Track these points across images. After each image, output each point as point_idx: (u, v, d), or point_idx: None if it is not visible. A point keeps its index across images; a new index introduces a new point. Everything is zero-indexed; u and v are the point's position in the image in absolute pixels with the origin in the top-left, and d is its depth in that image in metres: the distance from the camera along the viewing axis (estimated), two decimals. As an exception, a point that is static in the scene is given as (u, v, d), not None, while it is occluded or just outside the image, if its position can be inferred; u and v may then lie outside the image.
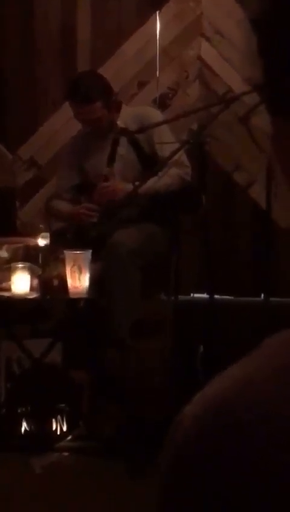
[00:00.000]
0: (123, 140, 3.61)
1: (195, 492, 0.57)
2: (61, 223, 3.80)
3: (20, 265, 3.34)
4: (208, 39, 4.34)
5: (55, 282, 3.30)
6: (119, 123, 3.72)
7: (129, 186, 3.53)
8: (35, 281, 3.35)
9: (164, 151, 3.49)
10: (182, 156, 3.55)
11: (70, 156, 3.90)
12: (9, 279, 3.33)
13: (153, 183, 3.49)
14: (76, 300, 3.30)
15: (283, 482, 0.54)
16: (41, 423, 3.37)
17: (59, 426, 3.38)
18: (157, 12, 4.33)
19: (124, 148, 3.64)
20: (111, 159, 3.61)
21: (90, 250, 3.26)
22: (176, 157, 3.35)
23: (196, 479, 0.57)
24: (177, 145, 3.37)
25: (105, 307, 3.42)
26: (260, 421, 0.56)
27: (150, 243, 3.54)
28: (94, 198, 3.65)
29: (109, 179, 3.63)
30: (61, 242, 3.51)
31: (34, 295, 3.32)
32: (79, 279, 3.23)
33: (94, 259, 3.30)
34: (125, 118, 3.71)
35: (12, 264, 3.35)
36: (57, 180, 4.02)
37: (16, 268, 3.32)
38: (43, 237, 3.49)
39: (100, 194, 3.63)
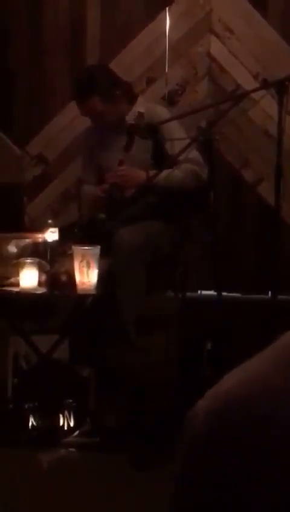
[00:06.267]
0: (137, 139, 3.61)
1: (209, 484, 0.58)
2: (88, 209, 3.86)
3: (28, 260, 3.33)
4: (217, 36, 4.33)
5: (64, 278, 3.30)
6: (128, 119, 3.72)
7: (142, 173, 3.54)
8: (44, 277, 3.34)
9: (175, 148, 3.49)
10: (197, 154, 3.55)
11: (86, 150, 3.93)
12: (17, 275, 3.33)
13: (167, 173, 3.50)
14: (84, 296, 3.30)
15: None
16: (48, 419, 3.37)
17: (66, 422, 3.38)
18: (167, 8, 4.33)
19: (135, 147, 3.64)
20: (128, 146, 3.60)
21: (99, 246, 3.26)
22: (184, 154, 3.35)
23: (210, 472, 0.58)
24: (187, 142, 3.36)
25: (110, 303, 3.42)
26: (273, 416, 0.56)
27: (154, 240, 3.55)
28: (107, 180, 3.66)
29: (124, 164, 3.64)
30: (69, 237, 3.51)
31: (42, 291, 3.32)
32: (87, 275, 3.23)
33: (101, 255, 3.30)
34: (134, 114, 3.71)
35: (21, 260, 3.35)
36: (82, 171, 4.03)
37: (24, 264, 3.32)
38: (51, 232, 3.49)
39: (114, 176, 3.63)
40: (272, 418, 0.56)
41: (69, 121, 4.35)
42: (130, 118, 3.70)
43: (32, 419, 3.36)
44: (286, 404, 0.56)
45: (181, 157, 3.41)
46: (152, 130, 3.54)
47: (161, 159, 3.59)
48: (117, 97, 3.68)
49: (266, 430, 0.56)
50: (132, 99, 3.77)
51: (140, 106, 3.69)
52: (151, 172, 3.48)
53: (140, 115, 3.55)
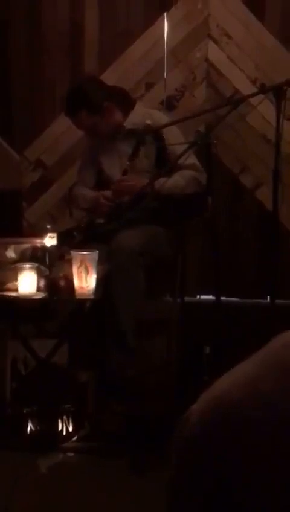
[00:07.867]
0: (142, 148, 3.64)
1: (202, 486, 0.58)
2: (80, 212, 3.88)
3: (27, 265, 3.34)
4: (215, 41, 4.35)
5: (62, 283, 3.30)
6: (126, 124, 3.74)
7: (146, 181, 3.56)
8: (42, 282, 3.35)
9: (177, 153, 3.50)
10: (195, 160, 3.58)
11: (87, 155, 3.96)
12: (16, 280, 3.33)
13: (170, 181, 3.53)
14: (83, 301, 3.30)
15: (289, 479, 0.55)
16: (47, 423, 3.37)
17: (65, 426, 3.38)
18: (165, 13, 4.34)
19: (139, 155, 3.66)
20: (133, 155, 3.63)
21: (97, 251, 3.27)
22: (182, 159, 3.36)
23: (203, 475, 0.58)
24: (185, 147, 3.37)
25: (109, 307, 3.43)
26: (266, 419, 0.57)
27: (153, 244, 3.55)
28: (112, 191, 3.69)
29: (128, 174, 3.66)
30: (68, 242, 3.52)
31: (40, 295, 3.32)
32: (86, 279, 3.24)
33: (99, 260, 3.31)
34: (133, 119, 3.73)
35: (19, 264, 3.35)
36: (78, 172, 4.05)
37: (22, 269, 3.32)
38: (50, 238, 3.49)
39: (118, 186, 3.66)
40: (263, 420, 0.56)
41: (68, 126, 4.35)
42: (128, 124, 3.72)
43: (31, 424, 3.36)
44: (275, 406, 0.57)
45: (180, 162, 3.42)
46: (157, 136, 3.57)
47: (164, 164, 3.60)
48: (107, 109, 3.71)
49: (258, 432, 0.56)
50: (127, 106, 3.78)
51: (144, 116, 3.70)
52: (156, 182, 3.51)
53: (147, 126, 3.58)
